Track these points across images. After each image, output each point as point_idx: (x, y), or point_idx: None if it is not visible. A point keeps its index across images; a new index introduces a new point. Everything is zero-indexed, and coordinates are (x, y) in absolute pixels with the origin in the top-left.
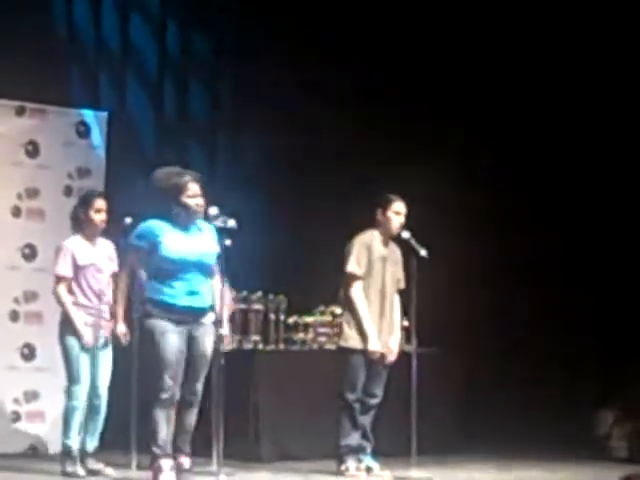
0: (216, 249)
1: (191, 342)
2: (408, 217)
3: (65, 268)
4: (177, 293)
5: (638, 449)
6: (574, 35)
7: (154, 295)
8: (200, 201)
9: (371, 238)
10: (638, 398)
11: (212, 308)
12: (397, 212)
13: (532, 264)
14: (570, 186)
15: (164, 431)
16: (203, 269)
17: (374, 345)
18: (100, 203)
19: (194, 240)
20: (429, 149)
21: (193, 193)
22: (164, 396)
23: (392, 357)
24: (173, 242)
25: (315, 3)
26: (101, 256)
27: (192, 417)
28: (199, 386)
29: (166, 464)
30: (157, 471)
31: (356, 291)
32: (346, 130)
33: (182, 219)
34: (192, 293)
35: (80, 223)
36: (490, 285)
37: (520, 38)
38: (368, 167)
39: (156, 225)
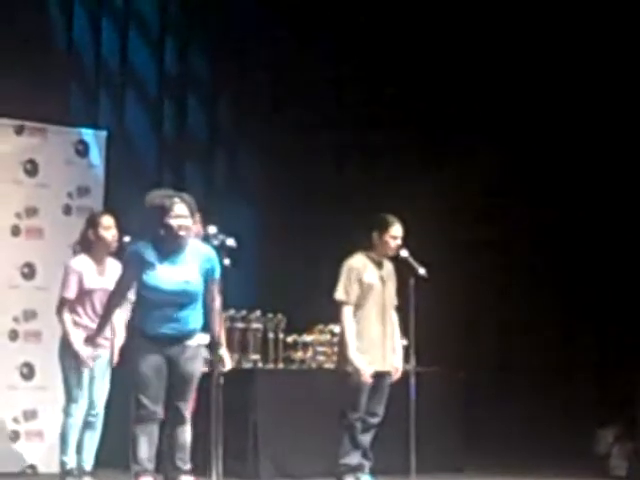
0: (199, 278)
1: (172, 364)
2: (405, 237)
3: (70, 291)
4: (156, 323)
5: (637, 468)
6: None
7: (135, 321)
8: (184, 222)
9: (362, 262)
10: (639, 417)
11: (200, 330)
12: (394, 236)
13: (532, 280)
14: (573, 194)
15: (144, 448)
16: (184, 298)
17: (365, 371)
18: (107, 220)
19: (176, 270)
20: (429, 164)
21: (176, 214)
22: (141, 413)
23: (397, 375)
24: (154, 273)
25: (313, 19)
26: (109, 279)
27: (184, 435)
28: (184, 405)
29: None
30: None
31: (346, 317)
32: (346, 146)
33: (166, 242)
34: (171, 321)
35: (90, 244)
36: (489, 303)
37: (529, 58)
38: (368, 184)
39: (141, 252)
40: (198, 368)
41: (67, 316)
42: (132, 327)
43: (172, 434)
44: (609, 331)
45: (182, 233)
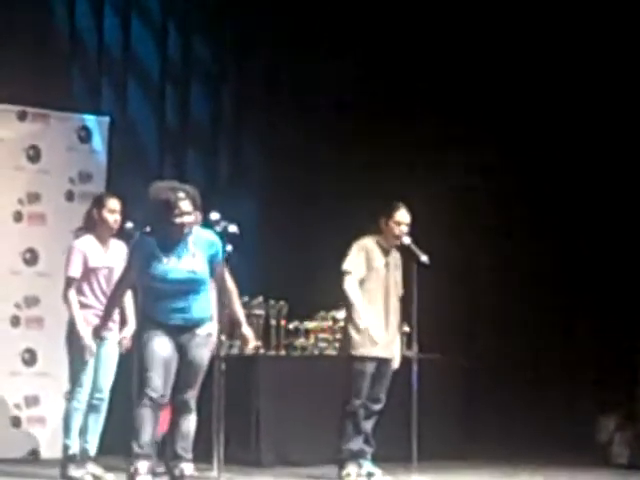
0: (204, 266)
1: (181, 351)
2: (411, 224)
3: (76, 270)
4: (166, 313)
5: (639, 456)
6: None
7: (146, 311)
8: (188, 219)
9: (372, 245)
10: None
11: (209, 319)
12: (399, 222)
13: (533, 269)
14: (573, 192)
15: (147, 431)
16: (190, 286)
17: (378, 338)
18: (114, 203)
19: (181, 260)
20: (430, 152)
21: (181, 212)
22: (148, 394)
23: (396, 364)
24: (160, 263)
25: (315, 6)
26: (114, 258)
27: (188, 423)
28: (190, 393)
29: (143, 466)
30: (134, 472)
31: (350, 285)
32: (348, 135)
33: (170, 235)
34: (179, 311)
35: (93, 224)
36: (491, 290)
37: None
38: (370, 172)
39: (147, 242)
40: (206, 357)
41: (74, 298)
42: (143, 316)
43: (176, 422)
44: (610, 317)
45: (186, 230)
